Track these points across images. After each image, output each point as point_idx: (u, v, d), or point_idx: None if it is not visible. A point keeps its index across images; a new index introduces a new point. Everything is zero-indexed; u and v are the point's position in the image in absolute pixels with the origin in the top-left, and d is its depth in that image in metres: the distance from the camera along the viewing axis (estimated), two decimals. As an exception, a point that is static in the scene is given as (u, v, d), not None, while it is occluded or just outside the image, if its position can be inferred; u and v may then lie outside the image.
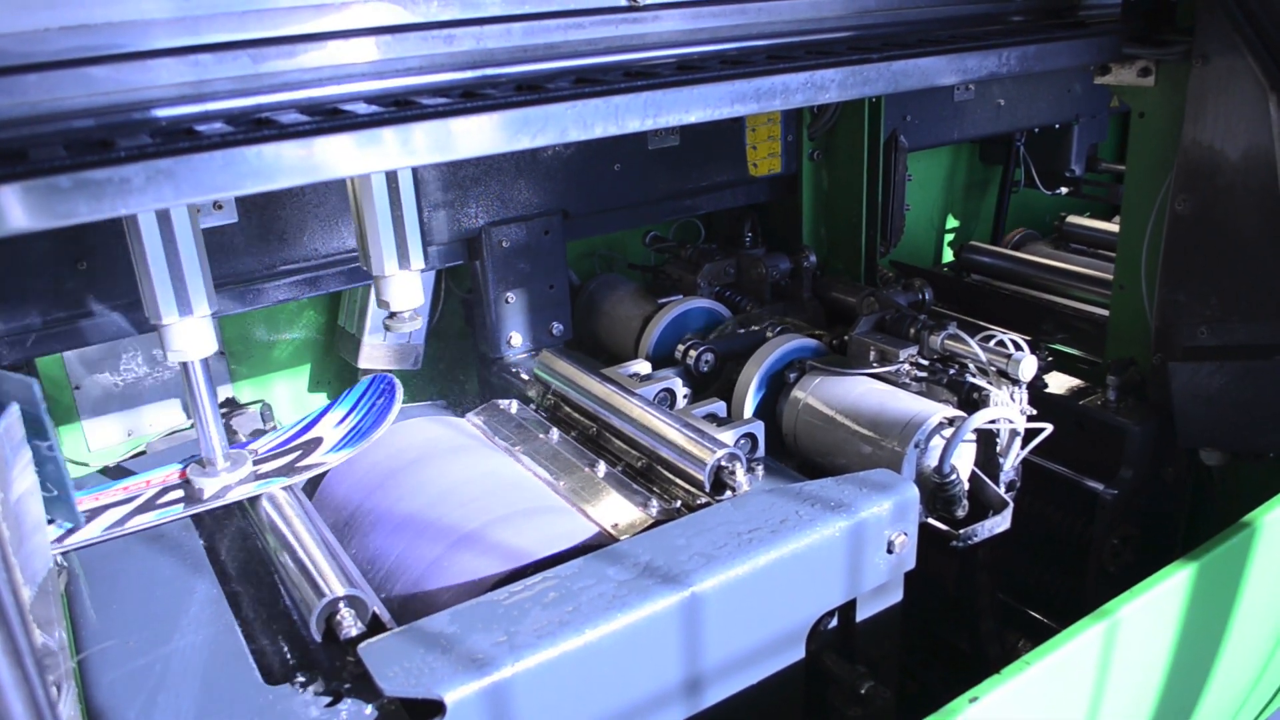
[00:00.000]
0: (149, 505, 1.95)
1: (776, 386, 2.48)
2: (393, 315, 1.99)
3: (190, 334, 1.78)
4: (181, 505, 1.94)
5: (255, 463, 2.07)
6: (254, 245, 2.36)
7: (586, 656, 1.52)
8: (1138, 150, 2.55)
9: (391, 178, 1.88)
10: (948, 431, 2.13)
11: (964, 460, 2.18)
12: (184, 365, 1.87)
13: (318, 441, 2.19)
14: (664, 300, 2.90)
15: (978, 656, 2.46)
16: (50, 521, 1.69)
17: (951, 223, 4.23)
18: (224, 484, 1.98)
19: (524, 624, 1.52)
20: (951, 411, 2.16)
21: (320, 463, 2.08)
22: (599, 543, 1.82)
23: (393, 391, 2.31)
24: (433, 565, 1.80)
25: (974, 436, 2.18)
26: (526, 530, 1.85)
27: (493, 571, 1.75)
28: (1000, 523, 2.15)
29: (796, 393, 2.41)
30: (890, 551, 1.86)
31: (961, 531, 2.10)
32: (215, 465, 2.00)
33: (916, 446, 2.11)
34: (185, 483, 2.00)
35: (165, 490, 2.00)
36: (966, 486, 2.13)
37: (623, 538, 1.82)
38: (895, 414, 2.18)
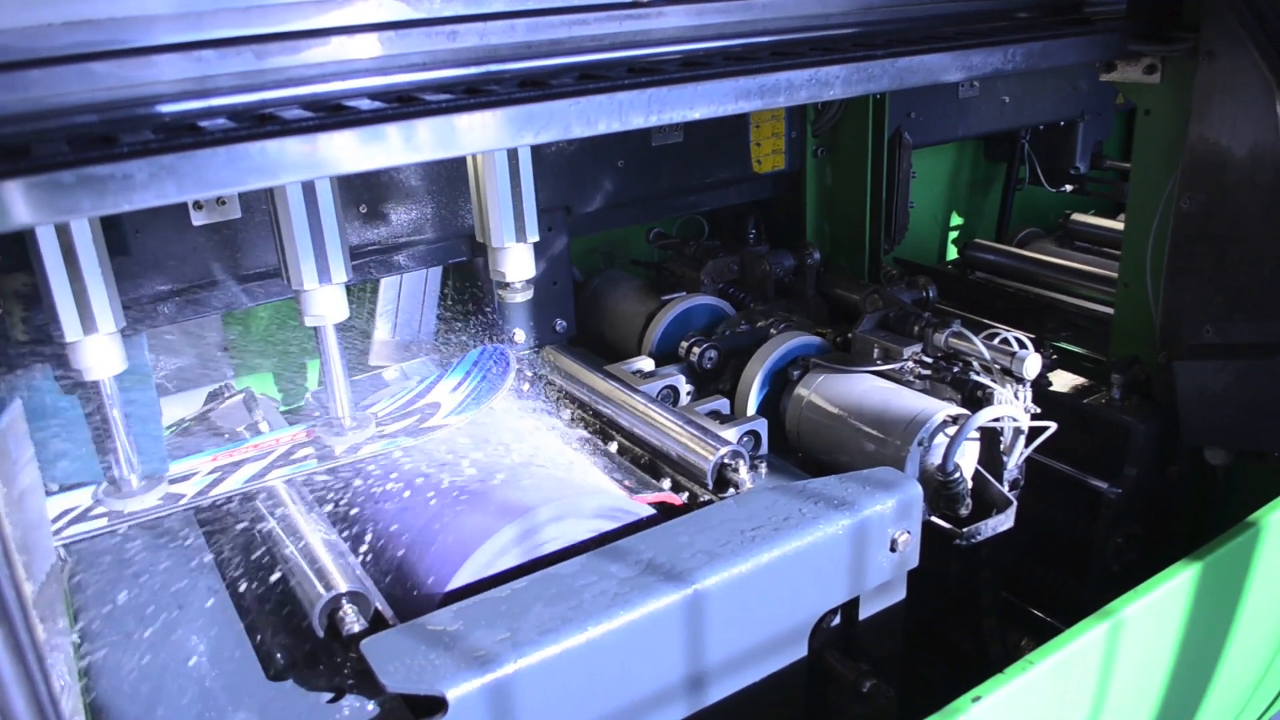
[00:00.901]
0: (285, 460, 2.05)
1: (780, 384, 2.48)
2: (506, 286, 2.14)
3: (328, 299, 1.90)
4: (315, 460, 2.05)
5: (378, 424, 2.17)
6: (260, 240, 2.36)
7: (589, 654, 1.51)
8: (1143, 148, 2.54)
9: (513, 155, 2.00)
10: (951, 430, 2.12)
11: (968, 458, 2.17)
12: (317, 330, 1.96)
13: (435, 406, 2.33)
14: (668, 297, 2.90)
15: (981, 655, 2.46)
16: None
17: (956, 220, 4.22)
18: (352, 441, 2.04)
19: (526, 621, 1.52)
20: (955, 410, 2.16)
21: (443, 424, 2.12)
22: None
23: (505, 360, 2.45)
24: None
25: (977, 435, 2.18)
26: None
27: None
28: (1004, 521, 2.14)
29: (800, 390, 2.41)
30: (893, 550, 1.86)
31: (965, 530, 2.09)
32: (343, 425, 2.10)
33: (920, 444, 2.11)
34: (315, 440, 2.11)
35: (297, 447, 2.10)
36: (970, 485, 2.13)
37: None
38: (899, 412, 2.18)
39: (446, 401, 2.34)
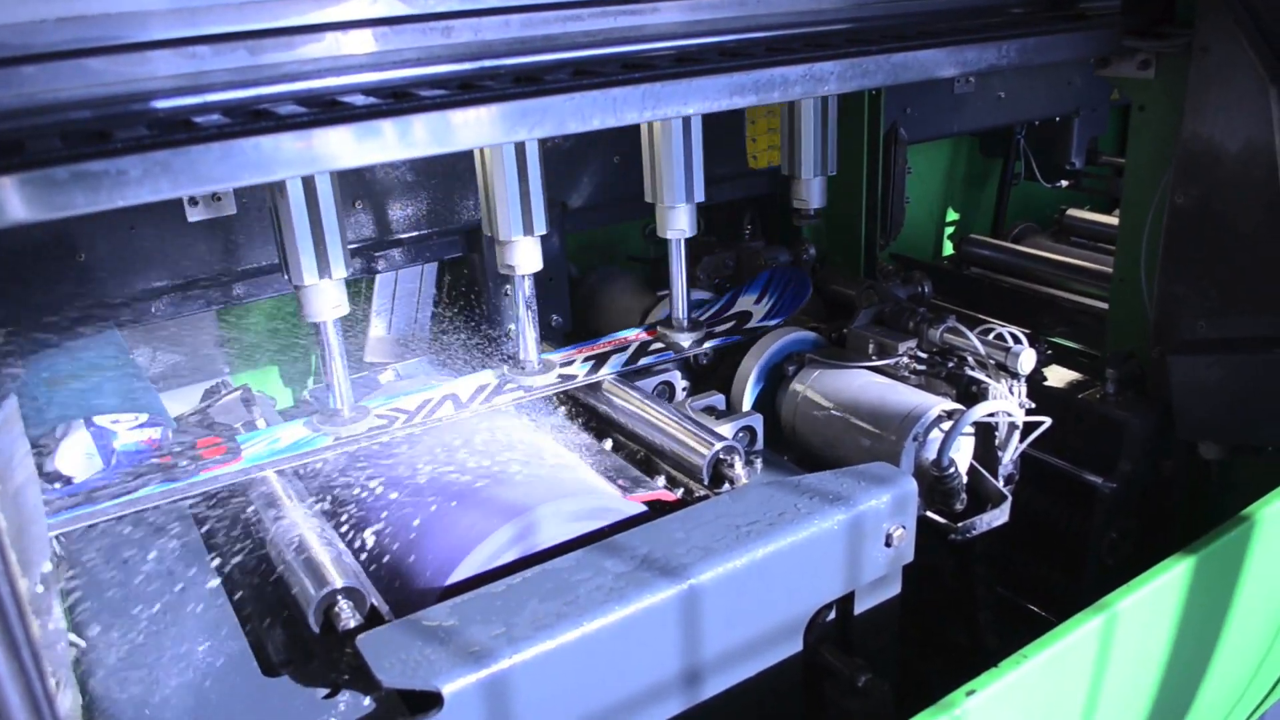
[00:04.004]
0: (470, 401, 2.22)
1: (775, 379, 2.48)
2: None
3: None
4: (522, 390, 2.26)
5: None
6: (258, 236, 2.36)
7: (584, 649, 1.52)
8: (1137, 143, 2.54)
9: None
10: (946, 424, 2.13)
11: (963, 453, 2.18)
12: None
13: (747, 315, 2.60)
14: (663, 293, 2.90)
15: (976, 650, 2.47)
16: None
17: (951, 216, 4.22)
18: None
19: (522, 616, 1.52)
20: (950, 404, 2.16)
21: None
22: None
23: (804, 278, 2.71)
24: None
25: (972, 430, 2.18)
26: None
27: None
28: (999, 516, 2.15)
29: (795, 385, 2.41)
30: (888, 545, 1.86)
31: (960, 525, 2.10)
32: (532, 366, 2.31)
33: (915, 439, 2.11)
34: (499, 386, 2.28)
35: (482, 388, 2.27)
36: (965, 479, 2.13)
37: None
38: (894, 407, 2.19)
39: (756, 312, 2.62)
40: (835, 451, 2.28)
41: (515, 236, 2.09)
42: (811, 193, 2.51)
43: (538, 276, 2.82)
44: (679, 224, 2.34)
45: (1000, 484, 2.24)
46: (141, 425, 1.99)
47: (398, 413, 2.13)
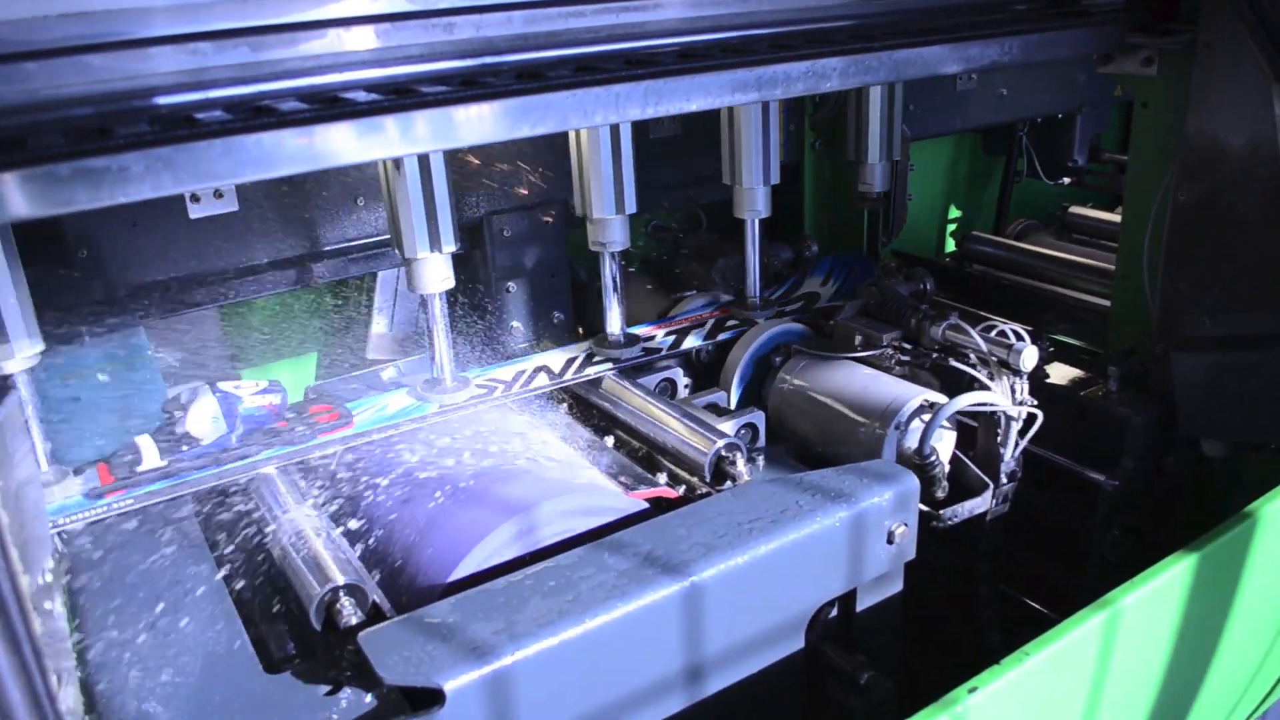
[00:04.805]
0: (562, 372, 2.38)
1: (764, 370, 2.50)
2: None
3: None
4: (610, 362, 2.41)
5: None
6: (260, 233, 2.36)
7: (586, 646, 1.52)
8: (1140, 140, 2.53)
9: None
10: (927, 415, 2.14)
11: (945, 444, 2.19)
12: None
13: (815, 296, 2.78)
14: (678, 295, 2.90)
15: (978, 647, 2.47)
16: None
17: (954, 213, 4.21)
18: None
19: (524, 613, 1.52)
20: (932, 395, 2.19)
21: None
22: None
23: (866, 261, 2.93)
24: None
25: (950, 424, 2.19)
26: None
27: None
28: (981, 504, 2.18)
29: (782, 376, 2.46)
30: (890, 542, 1.86)
31: (943, 512, 2.12)
32: (618, 339, 2.45)
33: (897, 428, 2.14)
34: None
35: (572, 360, 2.43)
36: (947, 468, 2.15)
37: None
38: (877, 397, 2.24)
39: (823, 293, 2.78)
40: (819, 440, 2.32)
41: (609, 215, 2.26)
42: (876, 176, 2.71)
43: (539, 274, 2.85)
44: (756, 205, 2.55)
45: (1003, 480, 2.25)
46: (262, 391, 2.13)
47: (495, 382, 2.28)
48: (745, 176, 2.49)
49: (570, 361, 2.40)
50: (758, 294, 2.68)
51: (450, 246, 2.02)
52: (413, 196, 1.94)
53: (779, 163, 2.41)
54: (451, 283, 2.10)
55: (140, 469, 1.94)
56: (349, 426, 2.09)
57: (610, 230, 2.31)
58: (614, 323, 2.45)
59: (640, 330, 2.58)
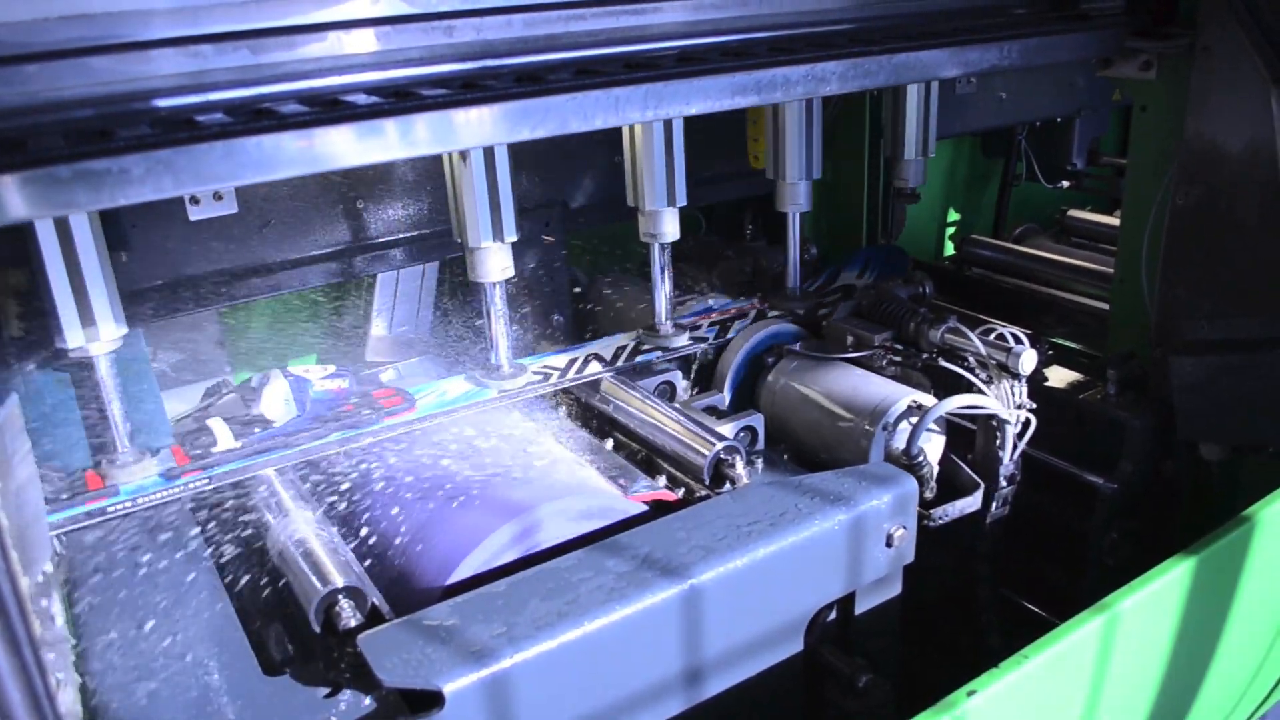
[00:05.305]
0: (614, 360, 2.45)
1: (757, 370, 2.52)
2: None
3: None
4: (660, 350, 2.50)
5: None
6: (258, 235, 2.36)
7: (585, 648, 1.52)
8: (1139, 143, 2.54)
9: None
10: (916, 416, 2.15)
11: (934, 445, 2.20)
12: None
13: (852, 288, 2.82)
14: (682, 298, 2.90)
15: (977, 650, 2.47)
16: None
17: (953, 216, 4.22)
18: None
19: (523, 615, 1.52)
20: (920, 396, 2.19)
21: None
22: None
23: (901, 252, 3.00)
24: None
25: (939, 425, 2.20)
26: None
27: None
28: (971, 503, 2.18)
29: (773, 376, 2.48)
30: (889, 545, 1.86)
31: (933, 512, 2.12)
32: (667, 329, 2.52)
33: (885, 429, 2.14)
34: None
35: (622, 348, 2.50)
36: (936, 469, 2.15)
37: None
38: (866, 397, 2.25)
39: (859, 284, 2.83)
40: (810, 440, 2.33)
41: (660, 207, 2.34)
42: (912, 172, 2.78)
43: (537, 276, 2.84)
44: (799, 199, 2.66)
45: (1002, 482, 2.25)
46: (331, 376, 2.22)
47: (549, 369, 2.37)
48: (789, 171, 2.58)
49: (621, 350, 2.49)
50: (797, 286, 2.77)
51: (512, 236, 2.09)
52: (477, 187, 2.00)
53: (685, 184, 2.43)
54: (511, 272, 2.15)
55: (215, 450, 1.99)
56: (412, 410, 2.14)
57: (661, 222, 2.39)
58: (663, 314, 2.52)
59: (687, 320, 2.67)
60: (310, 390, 2.15)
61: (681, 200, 2.37)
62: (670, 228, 2.40)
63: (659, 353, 2.49)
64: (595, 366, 2.41)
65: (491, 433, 2.14)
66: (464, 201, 2.02)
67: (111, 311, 1.81)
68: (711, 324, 2.66)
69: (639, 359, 2.46)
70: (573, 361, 2.42)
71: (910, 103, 2.68)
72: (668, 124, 2.26)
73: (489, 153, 1.99)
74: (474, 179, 1.99)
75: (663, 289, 2.50)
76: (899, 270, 2.92)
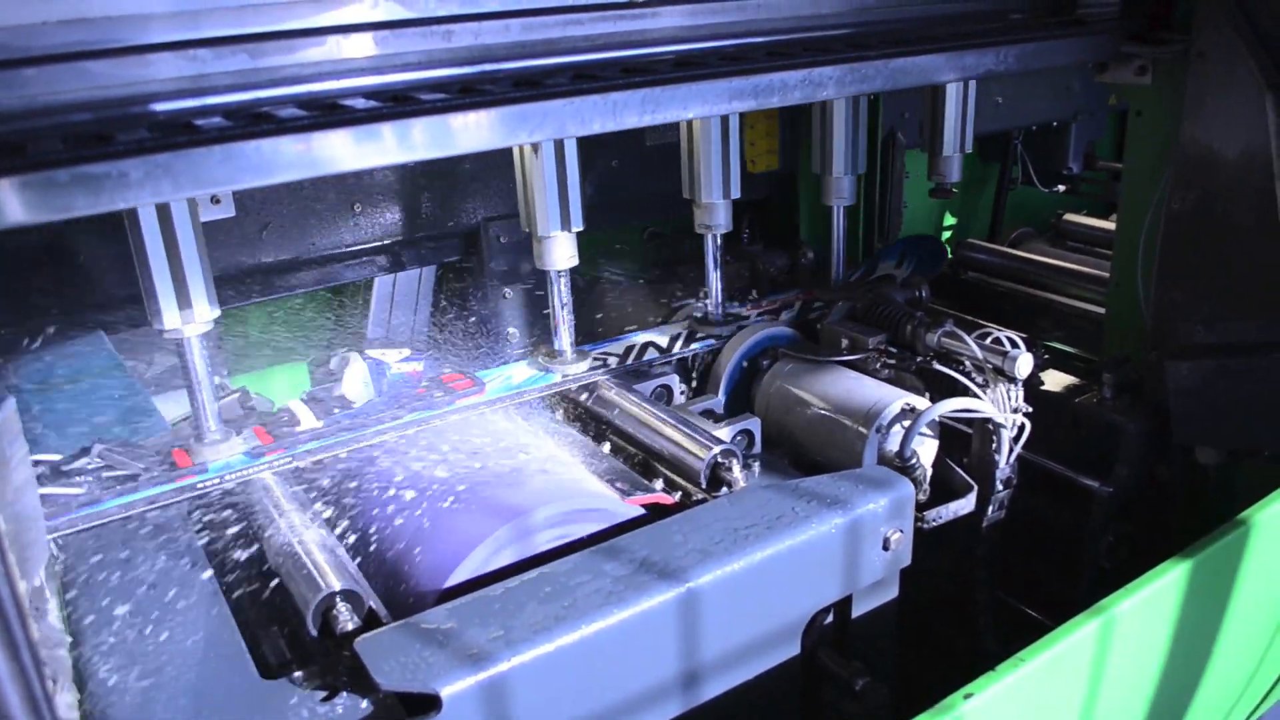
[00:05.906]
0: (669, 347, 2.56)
1: (753, 373, 2.53)
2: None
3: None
4: (713, 339, 2.59)
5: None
6: (255, 239, 2.36)
7: (582, 652, 1.52)
8: (1135, 148, 2.55)
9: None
10: (909, 418, 2.16)
11: (927, 448, 2.20)
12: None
13: (892, 278, 2.85)
14: (679, 303, 2.91)
15: (973, 653, 2.47)
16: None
17: (949, 220, 4.22)
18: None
19: (520, 619, 1.53)
20: (913, 399, 2.20)
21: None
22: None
23: (939, 243, 3.05)
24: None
25: (932, 428, 2.21)
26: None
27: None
28: (965, 505, 2.18)
29: (768, 378, 2.49)
30: (886, 548, 1.87)
31: (926, 514, 2.12)
32: (719, 317, 2.64)
33: (878, 431, 2.15)
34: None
35: (676, 336, 2.59)
36: (929, 472, 2.16)
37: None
38: (859, 400, 2.26)
39: (898, 276, 2.87)
40: (804, 442, 2.34)
41: (716, 200, 2.42)
42: (951, 168, 2.82)
43: (535, 280, 2.85)
44: (843, 193, 2.76)
45: (998, 486, 2.26)
46: (407, 359, 2.31)
47: (608, 355, 2.46)
48: (835, 166, 2.67)
49: (675, 338, 2.59)
50: (839, 277, 2.89)
51: (578, 226, 2.13)
52: (547, 178, 2.03)
53: (740, 177, 2.50)
54: (576, 260, 2.20)
55: (298, 429, 2.05)
56: (481, 393, 2.21)
57: (716, 214, 2.48)
58: (716, 302, 2.63)
59: (739, 309, 2.76)
60: (388, 372, 2.24)
61: (735, 192, 2.44)
62: (724, 219, 2.49)
63: (712, 340, 2.59)
64: (652, 352, 2.54)
65: (490, 434, 2.14)
66: (534, 192, 2.06)
67: (206, 294, 1.82)
68: (761, 314, 2.76)
69: (693, 346, 2.58)
70: (630, 349, 2.51)
71: (950, 101, 2.74)
72: (725, 120, 2.34)
73: (559, 145, 2.02)
74: (544, 170, 2.03)
75: (715, 278, 2.60)
76: (937, 261, 2.96)
